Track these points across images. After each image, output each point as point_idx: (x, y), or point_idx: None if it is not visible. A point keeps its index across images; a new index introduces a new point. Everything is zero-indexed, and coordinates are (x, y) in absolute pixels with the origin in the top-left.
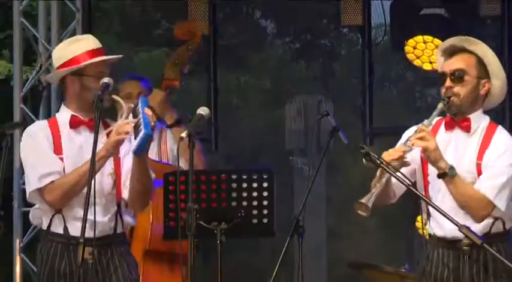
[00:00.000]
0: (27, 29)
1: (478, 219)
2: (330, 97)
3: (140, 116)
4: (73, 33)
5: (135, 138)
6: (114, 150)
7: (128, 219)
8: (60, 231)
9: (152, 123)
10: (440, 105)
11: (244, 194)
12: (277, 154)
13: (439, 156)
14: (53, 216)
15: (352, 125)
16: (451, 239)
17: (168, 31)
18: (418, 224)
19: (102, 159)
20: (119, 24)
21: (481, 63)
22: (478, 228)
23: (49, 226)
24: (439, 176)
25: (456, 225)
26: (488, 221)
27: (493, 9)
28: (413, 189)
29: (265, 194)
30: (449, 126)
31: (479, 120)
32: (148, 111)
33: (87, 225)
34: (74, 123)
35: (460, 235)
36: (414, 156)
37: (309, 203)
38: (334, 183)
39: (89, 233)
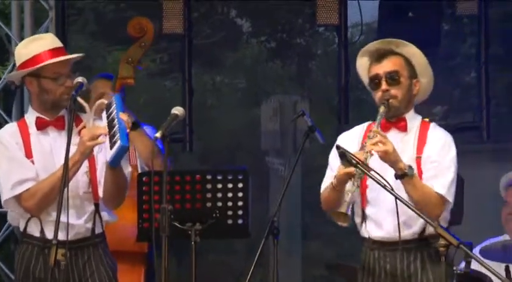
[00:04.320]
0: (0, 27)
1: (433, 217)
2: (306, 97)
3: (116, 122)
4: (46, 32)
5: (111, 147)
6: (88, 155)
7: (107, 217)
8: (37, 234)
9: (128, 130)
10: (382, 109)
11: (219, 195)
12: (253, 154)
13: (398, 157)
14: (29, 219)
15: (329, 125)
16: (388, 240)
17: None
18: None
19: (76, 164)
20: (93, 23)
21: (409, 64)
22: (412, 230)
23: (25, 228)
24: (398, 176)
25: (432, 225)
26: (421, 222)
27: (470, 7)
28: (390, 190)
29: (240, 194)
30: (385, 128)
31: (414, 119)
32: (124, 116)
33: (63, 227)
34: (40, 125)
35: (396, 236)
36: None
37: (285, 203)
38: (310, 184)
39: (65, 235)
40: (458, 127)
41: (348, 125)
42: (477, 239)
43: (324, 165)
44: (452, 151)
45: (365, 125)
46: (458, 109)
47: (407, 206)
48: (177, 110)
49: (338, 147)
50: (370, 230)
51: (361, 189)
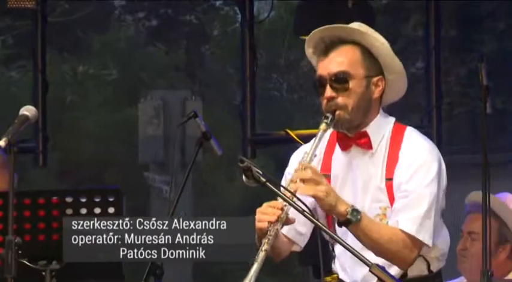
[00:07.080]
0: None
1: (405, 265)
2: (198, 92)
3: None
4: None
5: None
6: None
7: None
8: None
9: None
10: (322, 126)
11: None
12: (128, 169)
13: (334, 201)
14: None
15: (228, 131)
16: None
17: None
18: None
19: None
20: None
21: (368, 56)
22: (391, 271)
23: None
24: (341, 224)
25: (367, 264)
26: (395, 267)
27: None
28: (322, 227)
29: None
30: (344, 146)
31: (380, 130)
32: None
33: None
34: None
35: None
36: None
37: None
38: (204, 207)
39: None
40: None
41: (254, 132)
42: None
43: (222, 183)
44: (431, 173)
45: (326, 134)
46: (401, 109)
47: (342, 245)
48: (27, 110)
49: (241, 160)
50: (339, 271)
51: (327, 223)
